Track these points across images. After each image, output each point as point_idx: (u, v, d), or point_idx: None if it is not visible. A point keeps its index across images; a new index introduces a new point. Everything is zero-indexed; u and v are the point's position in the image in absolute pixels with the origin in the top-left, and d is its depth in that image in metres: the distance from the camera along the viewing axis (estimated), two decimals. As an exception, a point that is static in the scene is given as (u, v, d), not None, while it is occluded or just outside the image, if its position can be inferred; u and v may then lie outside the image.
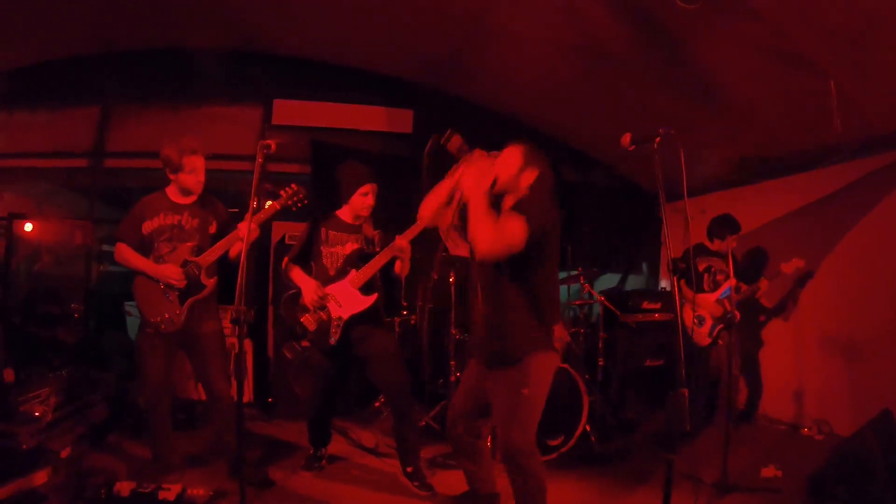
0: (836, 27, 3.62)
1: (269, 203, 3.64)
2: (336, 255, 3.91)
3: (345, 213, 3.96)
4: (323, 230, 3.91)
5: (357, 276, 3.82)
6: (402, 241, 3.74)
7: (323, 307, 3.79)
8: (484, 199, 2.75)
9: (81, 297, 5.16)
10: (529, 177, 2.91)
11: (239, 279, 2.38)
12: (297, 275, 3.86)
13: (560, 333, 2.94)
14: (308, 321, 3.79)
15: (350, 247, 3.91)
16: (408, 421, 3.89)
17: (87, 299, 5.40)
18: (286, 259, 3.94)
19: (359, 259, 3.87)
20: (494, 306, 2.95)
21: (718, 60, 4.37)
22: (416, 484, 3.85)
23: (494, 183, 2.87)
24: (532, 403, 2.83)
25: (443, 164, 3.05)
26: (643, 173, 6.86)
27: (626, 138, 2.69)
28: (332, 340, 3.77)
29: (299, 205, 3.67)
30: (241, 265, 2.58)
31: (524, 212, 2.74)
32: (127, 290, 3.72)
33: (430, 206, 3.11)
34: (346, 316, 3.79)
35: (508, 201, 2.93)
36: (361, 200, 3.89)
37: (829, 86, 4.03)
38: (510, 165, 2.90)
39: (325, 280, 3.83)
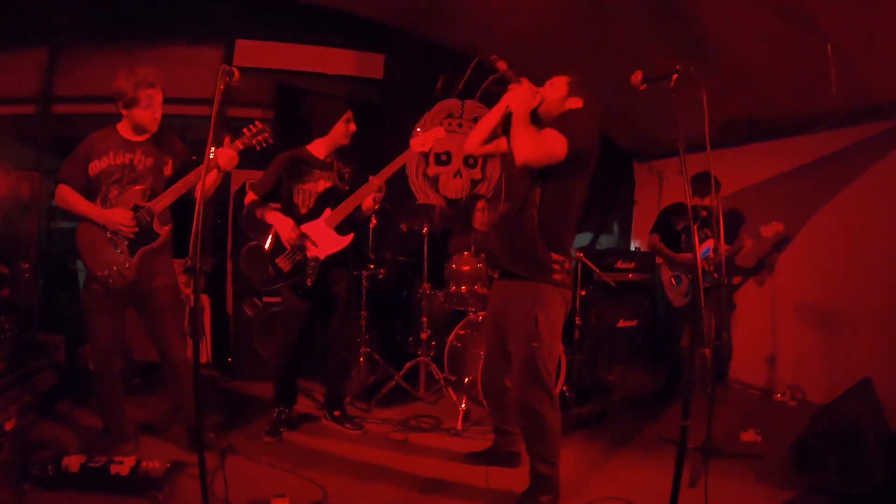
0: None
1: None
2: (308, 193, 3.73)
3: (318, 148, 3.78)
4: (294, 166, 3.71)
5: (333, 216, 3.68)
6: (378, 180, 3.69)
7: (300, 247, 3.62)
8: (528, 113, 2.94)
9: (31, 256, 4.82)
10: (573, 104, 3.05)
11: (194, 225, 2.11)
12: (270, 213, 3.67)
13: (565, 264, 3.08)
14: (283, 262, 3.62)
15: (323, 184, 3.74)
16: (343, 369, 4.11)
17: (37, 258, 5.07)
18: (251, 196, 3.71)
19: (333, 197, 3.71)
20: (515, 224, 3.05)
21: (715, 13, 4.16)
22: (347, 426, 3.99)
23: (541, 104, 3.06)
24: (542, 355, 2.97)
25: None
26: (620, 130, 6.75)
27: (638, 76, 2.53)
28: (309, 282, 3.63)
29: (263, 144, 3.35)
30: (196, 209, 2.29)
31: (567, 127, 2.85)
32: (77, 248, 3.38)
33: (476, 139, 3.34)
34: (322, 256, 3.65)
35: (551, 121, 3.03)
36: (345, 128, 3.77)
37: (827, 48, 3.86)
38: (556, 90, 3.07)
39: (297, 219, 3.65)
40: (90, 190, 3.24)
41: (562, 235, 3.02)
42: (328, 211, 3.70)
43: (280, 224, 3.63)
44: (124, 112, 3.24)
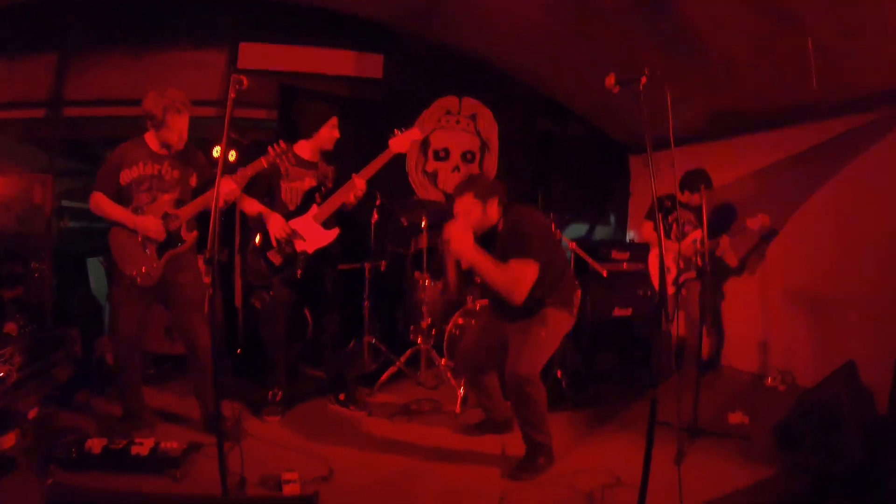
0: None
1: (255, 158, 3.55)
2: (295, 191, 3.94)
3: (303, 149, 3.98)
4: (282, 166, 3.89)
5: (319, 212, 3.89)
6: (360, 180, 3.89)
7: (289, 241, 3.83)
8: (479, 255, 3.13)
9: (43, 256, 4.99)
10: (492, 206, 3.32)
11: (211, 221, 2.32)
12: (264, 210, 3.87)
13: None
14: (274, 256, 3.83)
15: (308, 182, 3.96)
16: (341, 357, 4.32)
17: (49, 258, 5.23)
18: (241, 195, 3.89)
19: (317, 195, 3.92)
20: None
21: (701, 11, 4.29)
22: (351, 408, 4.19)
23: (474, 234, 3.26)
24: (542, 345, 3.26)
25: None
26: (614, 125, 6.87)
27: (611, 78, 2.67)
28: (299, 273, 3.85)
29: (287, 163, 3.65)
30: (213, 209, 2.50)
31: (524, 251, 3.14)
32: (89, 248, 3.61)
33: (453, 284, 3.64)
34: (310, 250, 3.87)
35: (499, 238, 3.34)
36: (329, 133, 3.96)
37: (807, 43, 3.99)
38: (471, 212, 3.30)
39: (286, 216, 3.87)
40: (121, 197, 3.47)
41: (563, 289, 3.36)
42: (314, 207, 3.90)
43: (271, 219, 3.83)
44: (153, 130, 3.47)
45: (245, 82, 2.75)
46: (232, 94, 2.68)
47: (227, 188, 3.41)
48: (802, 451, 3.29)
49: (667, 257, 5.12)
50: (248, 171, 3.50)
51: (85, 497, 1.98)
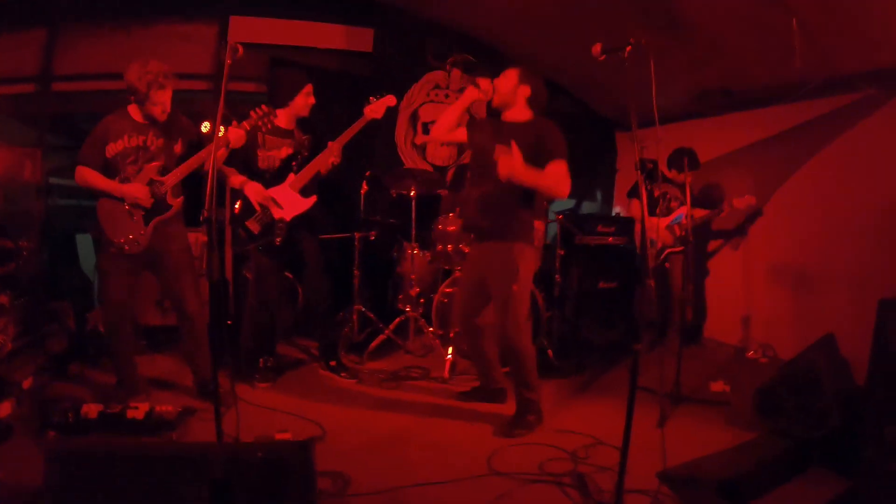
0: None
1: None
2: (272, 159, 4.01)
3: (279, 118, 3.99)
4: (259, 135, 3.94)
5: (296, 179, 3.96)
6: (335, 145, 3.98)
7: (267, 210, 3.90)
8: (529, 171, 3.27)
9: (34, 232, 5.00)
10: (524, 92, 3.53)
11: (209, 185, 2.37)
12: (239, 179, 3.93)
13: (540, 227, 3.49)
14: (252, 225, 3.91)
15: (285, 151, 4.03)
16: (330, 324, 4.41)
17: (39, 234, 5.25)
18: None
19: (294, 163, 4.00)
20: (489, 190, 3.51)
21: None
22: (342, 374, 4.31)
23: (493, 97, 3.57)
24: (520, 297, 3.45)
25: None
26: (602, 100, 6.90)
27: (597, 47, 2.76)
28: (278, 241, 3.93)
29: (269, 125, 3.63)
30: (210, 171, 2.54)
31: (561, 152, 3.39)
32: (78, 225, 3.64)
33: (442, 128, 3.78)
34: (288, 217, 3.94)
35: (509, 114, 3.59)
36: (305, 100, 4.02)
37: (792, 22, 4.01)
38: (508, 80, 3.54)
39: (264, 184, 3.93)
40: (108, 170, 3.50)
41: (541, 203, 3.44)
42: (291, 175, 3.97)
43: (248, 188, 3.89)
44: (136, 104, 3.50)
45: (241, 50, 2.78)
46: (228, 61, 2.70)
47: (235, 134, 3.48)
48: (781, 416, 3.37)
49: (652, 232, 5.20)
50: (246, 125, 3.52)
51: (83, 452, 2.03)
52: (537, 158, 3.33)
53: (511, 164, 3.22)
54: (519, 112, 3.57)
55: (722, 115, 5.69)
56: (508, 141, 3.34)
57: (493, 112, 3.69)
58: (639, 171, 2.52)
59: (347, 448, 3.21)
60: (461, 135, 3.81)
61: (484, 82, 3.56)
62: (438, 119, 3.82)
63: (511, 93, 3.53)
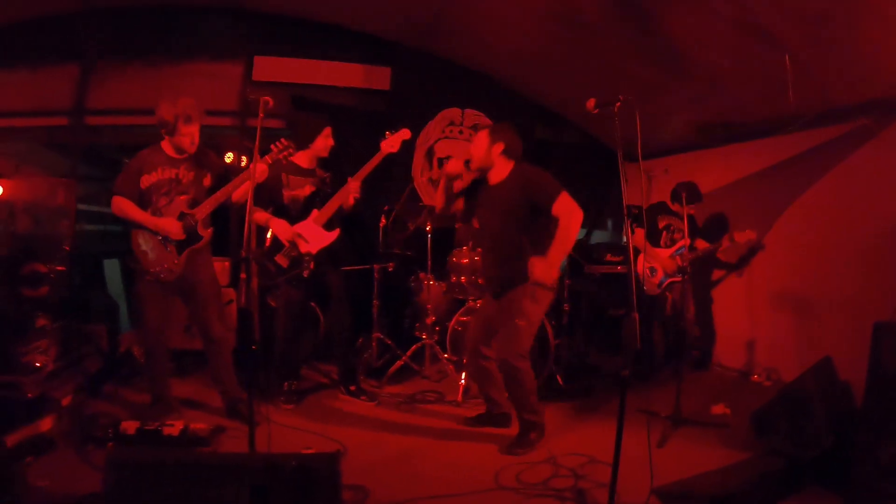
0: (800, 4, 3.80)
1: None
2: (296, 198, 4.26)
3: (300, 158, 4.31)
4: (283, 176, 4.23)
5: (320, 215, 4.23)
6: (354, 182, 4.22)
7: (294, 244, 4.16)
8: (556, 254, 3.53)
9: (62, 257, 5.24)
10: (498, 149, 3.70)
11: (246, 223, 2.61)
12: (269, 218, 4.19)
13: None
14: (281, 259, 4.16)
15: (308, 189, 4.29)
16: (351, 351, 4.66)
17: (69, 259, 5.48)
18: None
19: (317, 199, 4.26)
20: (489, 247, 3.85)
21: (686, 30, 4.55)
22: (362, 398, 4.50)
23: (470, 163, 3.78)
24: (526, 331, 3.61)
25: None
26: (610, 134, 6.98)
27: (591, 102, 3.03)
28: (306, 273, 4.15)
29: (289, 157, 3.92)
30: (247, 209, 2.78)
31: (549, 194, 3.56)
32: (105, 250, 3.88)
33: (439, 207, 4.07)
34: (314, 251, 4.19)
35: (491, 175, 3.77)
36: (324, 142, 4.28)
37: (785, 59, 4.22)
38: (480, 147, 3.74)
39: (289, 221, 4.19)
40: (142, 200, 3.78)
41: (548, 241, 3.61)
42: (315, 212, 4.24)
43: (277, 226, 4.18)
44: (167, 137, 3.79)
45: (271, 102, 3.06)
46: (261, 114, 2.97)
47: (258, 168, 3.66)
48: (776, 436, 3.50)
49: (655, 262, 5.39)
50: (268, 160, 3.76)
51: (138, 461, 2.27)
52: (532, 207, 3.58)
53: (544, 268, 3.45)
54: (500, 170, 3.76)
55: (723, 147, 5.84)
56: (497, 206, 3.64)
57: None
58: (627, 218, 2.75)
59: (367, 464, 3.42)
60: (461, 205, 4.06)
61: (453, 163, 3.83)
62: (435, 199, 4.12)
63: (486, 155, 3.71)
